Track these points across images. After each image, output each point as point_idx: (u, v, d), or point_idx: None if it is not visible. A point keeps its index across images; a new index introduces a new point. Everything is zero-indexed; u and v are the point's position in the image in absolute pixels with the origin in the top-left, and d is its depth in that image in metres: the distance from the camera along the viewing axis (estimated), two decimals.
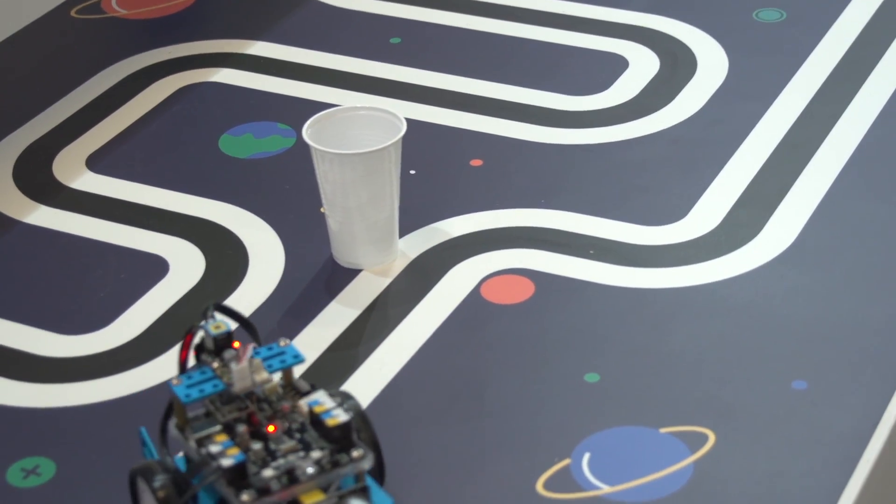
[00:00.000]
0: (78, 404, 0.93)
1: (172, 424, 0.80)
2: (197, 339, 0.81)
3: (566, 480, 0.86)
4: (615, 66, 1.26)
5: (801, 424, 0.89)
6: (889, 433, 0.89)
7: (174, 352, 0.97)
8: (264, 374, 0.79)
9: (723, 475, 0.86)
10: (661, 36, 1.29)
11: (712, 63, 1.25)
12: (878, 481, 0.88)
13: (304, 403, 0.78)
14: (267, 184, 1.13)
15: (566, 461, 0.87)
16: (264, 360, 0.80)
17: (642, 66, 1.26)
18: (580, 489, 0.86)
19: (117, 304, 1.02)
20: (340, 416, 0.77)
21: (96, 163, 1.17)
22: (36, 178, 1.15)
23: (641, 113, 1.20)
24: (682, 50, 1.27)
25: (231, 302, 1.01)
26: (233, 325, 0.83)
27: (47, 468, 0.88)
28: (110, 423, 0.92)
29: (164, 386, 0.94)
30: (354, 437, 0.77)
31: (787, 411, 0.90)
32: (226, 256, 1.06)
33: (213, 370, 0.79)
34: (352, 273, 1.03)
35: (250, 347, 0.79)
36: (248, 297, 1.02)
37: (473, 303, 1.00)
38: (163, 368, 0.96)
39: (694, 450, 0.88)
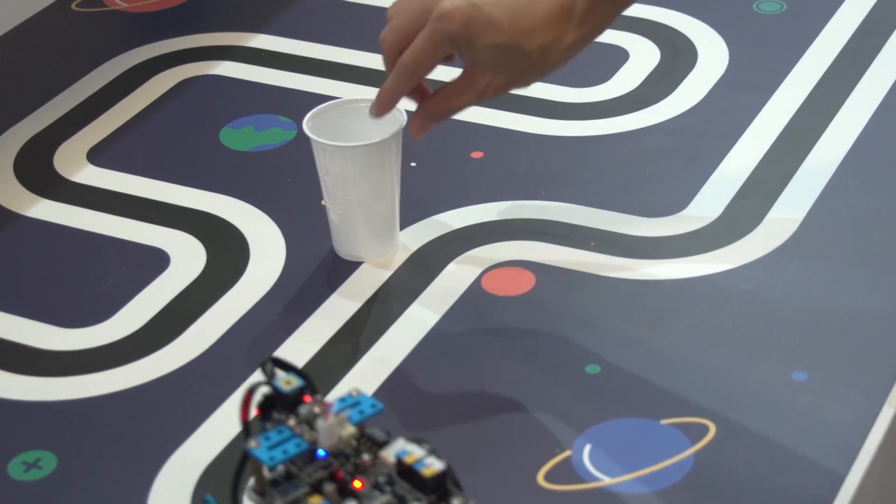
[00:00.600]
0: (79, 398, 0.93)
1: (249, 490, 0.76)
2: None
3: (567, 472, 0.86)
4: (616, 57, 1.26)
5: (802, 415, 0.89)
6: (889, 423, 0.89)
7: (175, 345, 0.97)
8: (350, 429, 0.75)
9: (723, 466, 0.86)
10: (662, 27, 1.29)
11: (713, 54, 1.25)
12: (878, 472, 0.88)
13: (388, 454, 0.75)
14: (268, 177, 1.13)
15: (567, 453, 0.87)
16: (340, 412, 0.76)
17: (643, 57, 1.25)
18: (581, 481, 0.86)
19: (118, 298, 1.02)
20: (436, 465, 0.73)
21: (97, 156, 1.17)
22: (37, 171, 1.15)
23: (642, 104, 1.20)
24: (683, 41, 1.27)
25: (232, 295, 1.01)
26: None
27: (49, 461, 0.88)
28: (112, 416, 0.92)
29: (166, 379, 0.95)
30: (450, 484, 0.73)
31: (787, 402, 0.90)
32: (227, 249, 1.06)
33: (291, 428, 0.75)
34: (353, 265, 1.03)
35: (330, 401, 0.76)
36: (250, 290, 1.02)
37: (474, 295, 1.00)
38: (164, 362, 0.96)
39: (694, 441, 0.88)
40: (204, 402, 0.92)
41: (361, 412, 0.76)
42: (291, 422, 0.76)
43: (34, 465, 0.88)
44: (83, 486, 0.87)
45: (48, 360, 0.97)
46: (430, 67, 0.92)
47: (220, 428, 0.90)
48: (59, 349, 0.98)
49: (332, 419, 0.75)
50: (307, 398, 0.77)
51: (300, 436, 0.75)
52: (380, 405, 0.77)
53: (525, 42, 0.89)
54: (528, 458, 0.87)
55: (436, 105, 0.94)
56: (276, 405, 0.77)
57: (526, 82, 0.94)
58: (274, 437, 0.75)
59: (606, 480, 0.86)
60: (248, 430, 0.77)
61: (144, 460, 0.88)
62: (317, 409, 0.76)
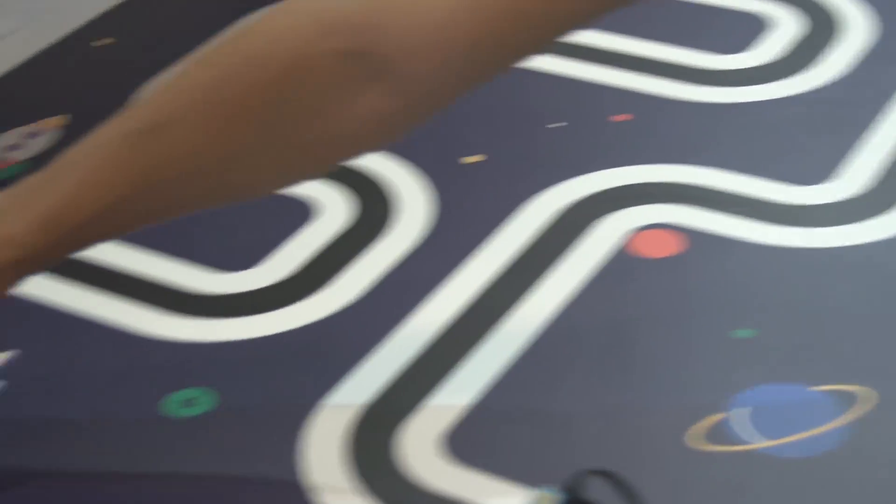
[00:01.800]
0: (239, 339, 0.94)
1: None
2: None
3: (717, 434, 0.86)
4: (762, 25, 1.25)
5: None
6: None
7: (328, 291, 0.98)
8: None
9: (883, 436, 0.85)
10: None
11: (861, 25, 1.24)
12: None
13: None
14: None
15: (718, 415, 0.87)
16: None
17: (789, 25, 1.24)
18: (730, 442, 0.85)
19: (269, 245, 1.03)
20: None
21: None
22: None
23: (788, 73, 1.19)
24: (831, 11, 1.26)
25: (380, 250, 1.02)
26: None
27: (206, 400, 0.89)
28: (269, 357, 0.93)
29: (323, 323, 0.95)
30: None
31: None
32: (377, 202, 1.06)
33: None
34: (496, 222, 1.03)
35: None
36: (397, 245, 1.02)
37: (621, 256, 1.00)
38: (319, 306, 0.97)
39: (852, 409, 0.87)
40: (358, 347, 0.93)
41: None
42: None
43: (191, 402, 0.89)
44: (240, 425, 0.88)
45: (210, 302, 0.98)
46: None
47: (374, 373, 0.91)
48: (220, 292, 0.99)
49: None
50: None
51: None
52: None
53: None
54: (676, 419, 0.87)
55: None
56: None
57: None
58: None
59: (755, 444, 0.85)
60: None
61: (300, 401, 0.89)
62: None
